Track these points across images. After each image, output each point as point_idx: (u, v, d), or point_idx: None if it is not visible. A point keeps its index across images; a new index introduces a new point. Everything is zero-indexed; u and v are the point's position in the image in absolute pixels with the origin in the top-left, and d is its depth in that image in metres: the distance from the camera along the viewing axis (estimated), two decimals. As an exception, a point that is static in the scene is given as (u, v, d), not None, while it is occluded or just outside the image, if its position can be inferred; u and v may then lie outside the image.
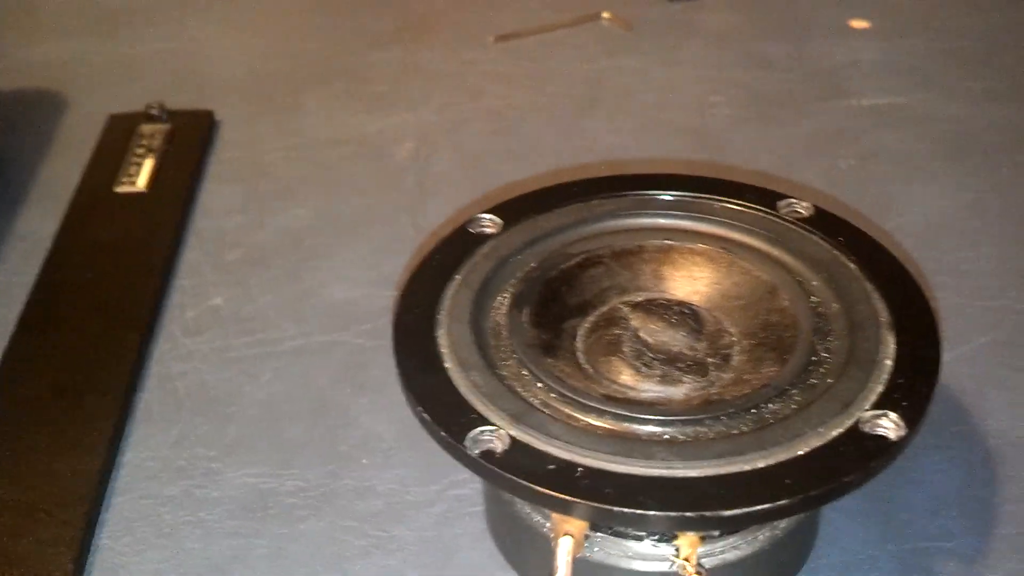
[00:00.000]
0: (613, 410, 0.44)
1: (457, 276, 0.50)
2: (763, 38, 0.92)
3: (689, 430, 0.43)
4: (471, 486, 0.54)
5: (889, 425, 0.42)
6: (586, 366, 0.48)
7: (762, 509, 0.39)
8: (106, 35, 0.96)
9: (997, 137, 0.78)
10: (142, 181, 0.75)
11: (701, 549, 0.44)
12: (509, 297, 0.50)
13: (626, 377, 0.47)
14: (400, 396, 0.45)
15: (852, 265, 0.50)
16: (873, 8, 0.95)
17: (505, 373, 0.46)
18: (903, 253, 0.67)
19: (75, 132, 0.83)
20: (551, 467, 0.41)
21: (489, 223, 0.53)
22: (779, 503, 0.39)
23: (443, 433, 0.42)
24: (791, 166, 0.76)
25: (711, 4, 0.97)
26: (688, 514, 0.39)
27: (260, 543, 0.52)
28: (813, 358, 0.46)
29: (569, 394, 0.44)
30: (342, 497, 0.54)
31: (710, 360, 0.48)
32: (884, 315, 0.47)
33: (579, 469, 0.41)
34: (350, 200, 0.75)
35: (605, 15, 0.95)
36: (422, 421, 0.44)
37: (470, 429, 0.42)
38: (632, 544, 0.45)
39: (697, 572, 0.43)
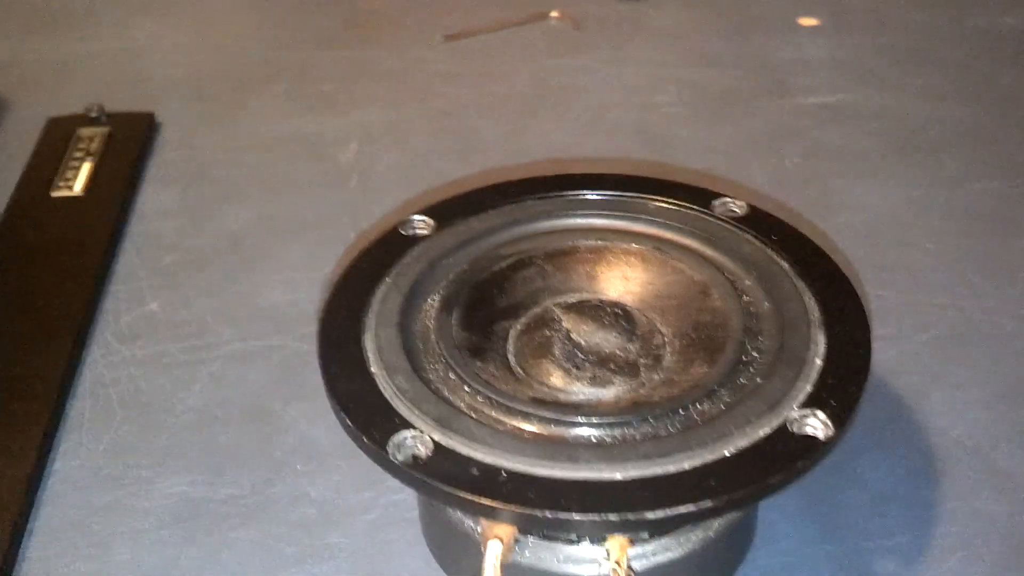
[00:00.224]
0: (540, 413, 0.43)
1: (387, 279, 0.49)
2: (712, 36, 0.92)
3: (616, 432, 0.42)
4: (406, 492, 0.53)
5: (817, 425, 0.42)
6: (516, 368, 0.47)
7: (686, 511, 0.38)
8: (45, 36, 0.95)
9: (941, 134, 0.78)
10: (79, 185, 0.74)
11: (632, 551, 0.44)
12: (439, 300, 0.49)
13: (556, 379, 0.47)
14: (336, 403, 0.45)
15: (785, 264, 0.49)
16: (823, 5, 0.95)
17: (432, 377, 0.45)
18: (847, 250, 0.67)
19: (12, 135, 0.82)
20: (474, 472, 0.40)
21: (421, 224, 0.52)
22: (703, 505, 0.39)
23: (365, 439, 0.41)
24: (736, 164, 0.75)
25: (660, 2, 0.97)
26: (611, 517, 0.38)
27: (191, 552, 0.51)
28: (743, 358, 0.45)
29: (496, 397, 0.44)
30: (276, 504, 0.53)
31: (642, 361, 0.47)
32: (815, 314, 0.47)
33: (503, 473, 0.40)
34: (292, 201, 0.74)
35: (554, 14, 0.95)
36: (345, 427, 0.43)
37: (393, 434, 0.42)
38: (563, 547, 0.44)
39: (628, 575, 0.42)
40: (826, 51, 0.89)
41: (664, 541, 0.45)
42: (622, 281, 0.51)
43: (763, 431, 0.41)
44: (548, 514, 0.38)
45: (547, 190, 0.54)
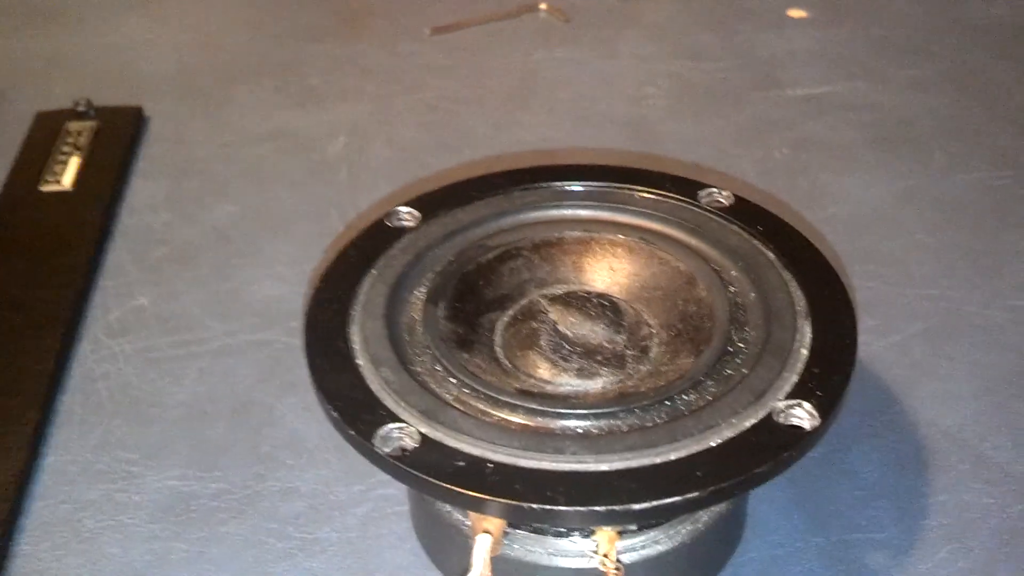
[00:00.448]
0: (526, 405, 0.43)
1: (373, 271, 0.49)
2: (700, 29, 0.92)
3: (602, 423, 0.42)
4: (396, 486, 0.53)
5: (803, 415, 0.42)
6: (503, 360, 0.47)
7: (672, 502, 0.38)
8: (32, 30, 0.95)
9: (929, 126, 0.78)
10: (68, 179, 0.74)
11: (621, 544, 0.44)
12: (425, 291, 0.49)
13: (543, 371, 0.47)
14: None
15: (771, 254, 0.49)
16: (812, -4, 0.95)
17: (419, 369, 0.45)
18: (835, 242, 0.67)
19: (1, 130, 0.81)
20: (461, 464, 0.40)
21: (407, 216, 0.52)
22: (689, 495, 0.39)
23: (351, 431, 0.41)
24: (725, 156, 0.75)
25: (649, -6, 0.97)
26: (597, 508, 0.38)
27: (180, 547, 0.51)
28: (729, 348, 0.45)
29: (483, 389, 0.44)
30: (265, 499, 0.53)
31: (628, 352, 0.47)
32: (801, 304, 0.47)
33: (489, 465, 0.40)
34: (280, 196, 0.74)
35: (543, 6, 0.95)
36: (331, 419, 0.43)
37: (379, 426, 0.41)
38: (552, 540, 0.45)
39: (616, 568, 0.42)
40: (815, 43, 0.89)
41: (653, 534, 0.45)
42: (608, 272, 0.51)
43: (749, 422, 0.41)
44: (534, 506, 0.38)
45: (533, 181, 0.54)
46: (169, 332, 0.63)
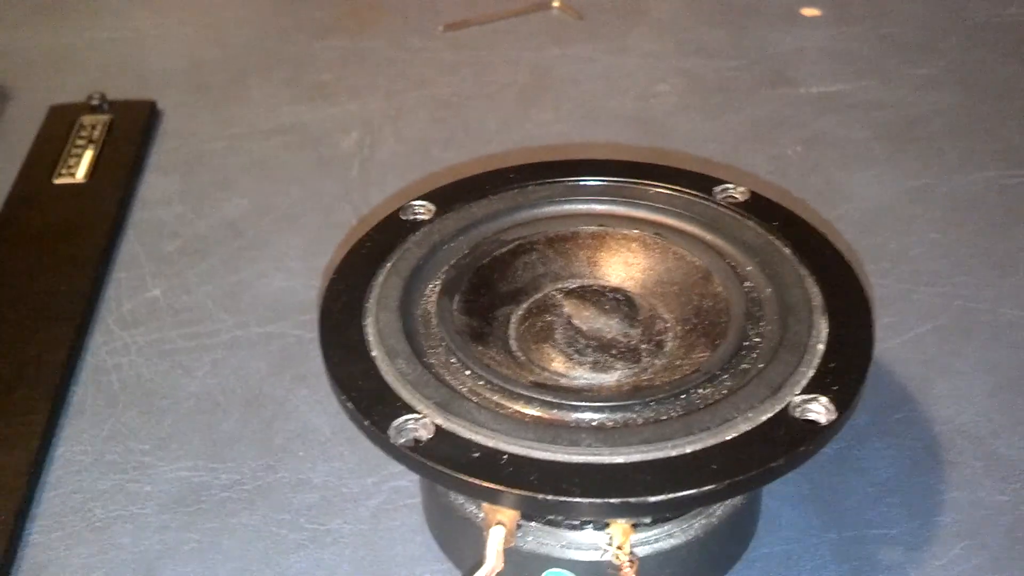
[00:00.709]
0: (541, 397, 0.43)
1: (387, 263, 0.49)
2: (713, 26, 0.91)
3: (617, 416, 0.42)
4: (408, 478, 0.53)
5: (819, 409, 0.42)
6: (518, 353, 0.47)
7: (688, 494, 0.38)
8: (46, 24, 0.95)
9: (940, 124, 0.78)
10: (82, 172, 0.74)
11: (635, 537, 0.44)
12: (440, 284, 0.49)
13: (558, 364, 0.47)
14: (336, 389, 0.45)
15: (786, 250, 0.49)
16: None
17: (433, 361, 0.45)
18: (848, 239, 0.67)
19: (14, 123, 0.82)
20: (476, 455, 0.40)
21: (422, 210, 0.52)
22: (705, 488, 0.39)
23: (366, 422, 0.41)
24: (737, 153, 0.75)
25: (662, -8, 0.97)
26: (612, 500, 0.38)
27: (191, 537, 0.51)
28: (745, 343, 0.45)
29: (498, 381, 0.44)
30: (277, 490, 0.53)
31: (643, 346, 0.47)
32: (817, 299, 0.46)
33: (504, 457, 0.40)
34: (291, 190, 0.74)
35: (555, 3, 0.95)
36: (346, 410, 0.43)
37: (395, 418, 0.42)
38: (565, 533, 0.44)
39: (629, 561, 0.42)
40: (825, 41, 0.89)
41: (667, 527, 0.45)
42: (623, 267, 0.51)
43: (765, 416, 0.41)
44: (549, 497, 0.38)
45: (548, 176, 0.54)
46: (181, 324, 0.63)
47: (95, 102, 0.80)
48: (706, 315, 0.48)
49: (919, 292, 0.64)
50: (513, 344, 0.48)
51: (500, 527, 0.42)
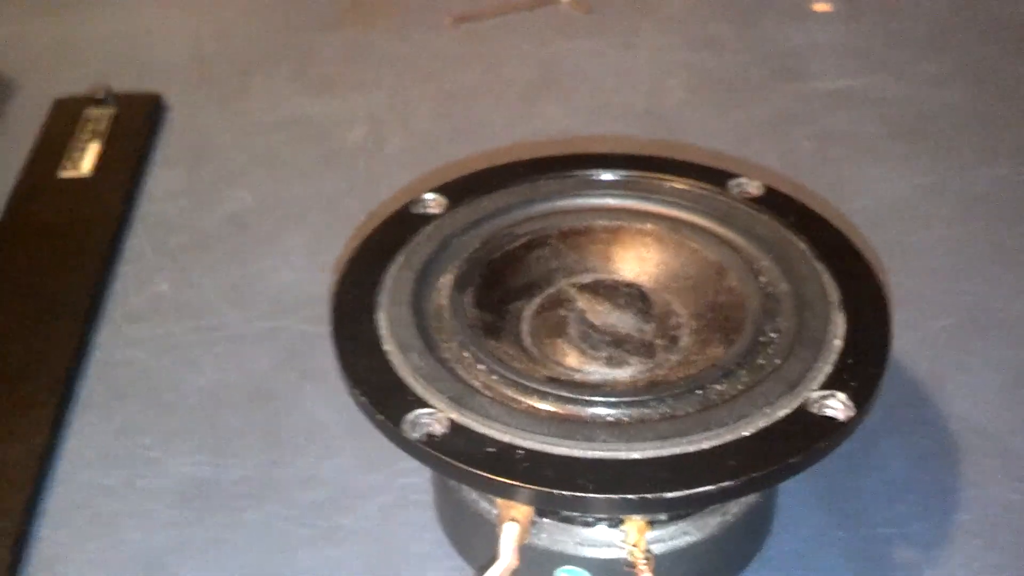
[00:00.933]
0: (556, 392, 0.42)
1: (399, 257, 0.49)
2: (722, 21, 0.91)
3: (633, 412, 0.42)
4: (418, 475, 0.53)
5: (837, 406, 0.41)
6: (531, 348, 0.47)
7: (705, 491, 0.38)
8: (51, 17, 0.94)
9: (953, 120, 0.78)
10: (87, 166, 0.74)
11: (650, 535, 0.43)
12: (452, 278, 0.48)
13: (572, 359, 0.46)
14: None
15: (802, 244, 0.49)
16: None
17: (446, 355, 0.45)
18: (860, 236, 0.66)
19: (18, 117, 0.81)
20: (490, 450, 0.40)
21: (433, 203, 0.52)
22: (723, 485, 0.38)
23: (380, 416, 0.41)
24: (747, 149, 0.75)
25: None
26: (629, 496, 0.38)
27: (200, 533, 0.51)
28: (761, 339, 0.45)
29: (511, 376, 0.43)
30: (285, 486, 0.53)
31: (658, 341, 0.47)
32: (834, 295, 0.46)
33: (519, 452, 0.39)
34: (297, 184, 0.74)
35: (564, -3, 0.94)
36: (359, 404, 0.42)
37: (408, 412, 0.41)
38: (580, 530, 0.44)
39: (645, 558, 0.42)
40: (835, 37, 0.88)
41: (682, 525, 0.44)
42: (637, 261, 0.50)
43: (782, 412, 0.41)
44: (565, 493, 0.38)
45: (560, 169, 0.54)
46: (188, 318, 0.63)
47: (100, 95, 0.80)
48: (721, 310, 0.47)
49: (931, 289, 0.63)
50: (526, 339, 0.47)
51: (514, 523, 0.41)
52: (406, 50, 0.89)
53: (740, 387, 0.43)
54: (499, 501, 0.42)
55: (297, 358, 0.60)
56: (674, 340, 0.47)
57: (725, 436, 0.40)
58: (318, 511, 0.52)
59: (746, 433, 0.40)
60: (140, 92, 0.82)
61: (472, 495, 0.46)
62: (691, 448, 0.39)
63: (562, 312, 0.48)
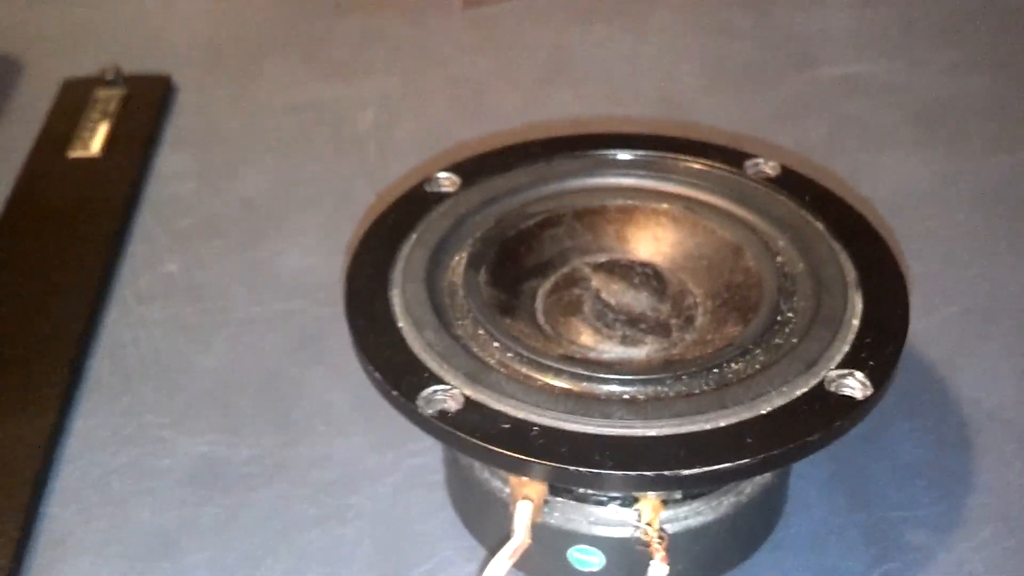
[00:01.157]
0: (571, 369, 0.42)
1: (412, 235, 0.49)
2: (735, 7, 0.90)
3: (649, 389, 0.41)
4: (430, 455, 0.52)
5: (855, 385, 0.41)
6: (545, 326, 0.47)
7: (723, 468, 0.38)
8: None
9: (967, 107, 0.77)
10: (96, 146, 0.73)
11: (664, 514, 0.43)
12: (466, 257, 0.48)
13: (586, 338, 0.46)
14: (356, 365, 0.44)
15: (819, 225, 0.48)
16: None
17: (460, 333, 0.44)
18: (875, 221, 0.65)
19: (28, 98, 0.81)
20: (506, 426, 0.39)
21: (447, 182, 0.52)
22: (740, 462, 0.38)
23: (394, 392, 0.41)
24: (761, 135, 0.74)
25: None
26: (646, 473, 0.37)
27: (210, 512, 0.51)
28: (778, 318, 0.44)
29: (526, 353, 0.43)
30: (296, 466, 0.53)
31: (673, 321, 0.47)
32: (851, 275, 0.46)
33: (534, 428, 0.39)
34: (308, 167, 0.73)
35: (575, -17, 0.93)
36: (373, 380, 0.42)
37: (423, 388, 0.41)
38: (593, 509, 0.44)
39: (659, 537, 0.41)
40: (849, 23, 0.88)
41: (696, 504, 0.44)
42: (652, 241, 0.50)
43: (800, 390, 0.41)
44: (582, 469, 0.38)
45: (575, 149, 0.53)
46: (197, 300, 0.63)
47: (110, 76, 0.80)
48: (737, 290, 0.47)
49: (946, 274, 0.63)
50: (540, 317, 0.47)
51: (527, 502, 0.41)
52: (418, 35, 0.88)
53: (757, 366, 0.42)
54: (512, 479, 0.41)
55: (308, 340, 0.60)
56: (690, 320, 0.47)
57: (742, 414, 0.40)
58: (328, 491, 0.51)
59: (763, 411, 0.40)
60: (150, 74, 0.81)
61: (484, 474, 0.46)
62: (708, 426, 0.39)
63: (576, 291, 0.48)
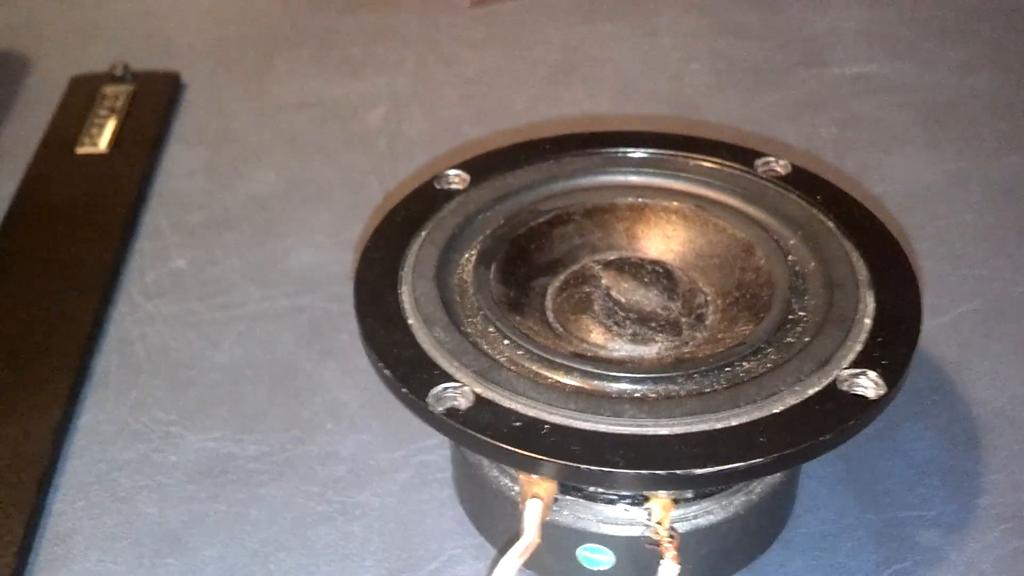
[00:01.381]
0: (581, 367, 0.42)
1: (422, 232, 0.48)
2: (744, 6, 0.90)
3: (660, 388, 0.41)
4: (438, 452, 0.52)
5: (868, 384, 0.41)
6: (555, 324, 0.47)
7: (735, 467, 0.38)
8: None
9: (978, 106, 0.77)
10: (104, 142, 0.73)
11: (674, 513, 0.43)
12: (476, 254, 0.48)
13: (597, 336, 0.46)
14: (366, 361, 0.44)
15: (830, 223, 0.48)
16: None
17: (470, 330, 0.44)
18: (884, 220, 0.65)
19: (36, 94, 0.81)
20: (516, 424, 0.39)
21: (457, 179, 0.51)
22: (753, 461, 0.38)
23: (404, 390, 0.40)
24: (771, 134, 0.74)
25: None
26: (659, 472, 0.37)
27: (218, 508, 0.50)
28: (790, 316, 0.44)
29: (536, 351, 0.43)
30: (305, 462, 0.53)
31: (684, 319, 0.46)
32: (863, 273, 0.46)
33: (545, 426, 0.39)
34: (318, 164, 0.73)
35: (584, -19, 0.93)
36: (383, 378, 0.42)
37: (433, 386, 0.41)
38: (603, 508, 0.43)
39: (670, 536, 0.41)
40: (859, 23, 0.87)
41: (706, 504, 0.44)
42: (663, 239, 0.50)
43: (812, 389, 0.40)
44: (593, 468, 0.37)
45: (585, 147, 0.53)
46: (207, 295, 0.63)
47: (118, 73, 0.80)
48: (748, 288, 0.47)
49: (956, 274, 0.62)
50: (550, 315, 0.47)
51: (537, 500, 0.41)
52: (427, 33, 0.88)
53: (769, 365, 0.42)
54: (521, 477, 0.41)
55: (318, 336, 0.60)
56: (700, 318, 0.47)
57: (755, 413, 0.39)
58: (337, 487, 0.51)
59: (776, 410, 0.40)
60: (159, 70, 0.81)
61: (493, 472, 0.45)
62: (720, 425, 0.39)
63: (586, 289, 0.48)
